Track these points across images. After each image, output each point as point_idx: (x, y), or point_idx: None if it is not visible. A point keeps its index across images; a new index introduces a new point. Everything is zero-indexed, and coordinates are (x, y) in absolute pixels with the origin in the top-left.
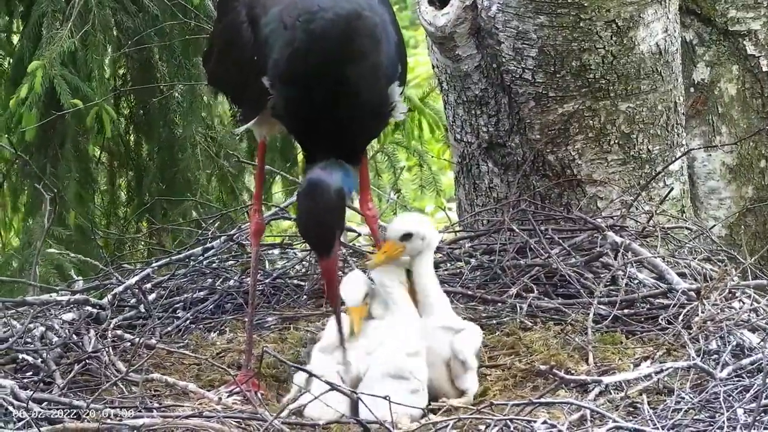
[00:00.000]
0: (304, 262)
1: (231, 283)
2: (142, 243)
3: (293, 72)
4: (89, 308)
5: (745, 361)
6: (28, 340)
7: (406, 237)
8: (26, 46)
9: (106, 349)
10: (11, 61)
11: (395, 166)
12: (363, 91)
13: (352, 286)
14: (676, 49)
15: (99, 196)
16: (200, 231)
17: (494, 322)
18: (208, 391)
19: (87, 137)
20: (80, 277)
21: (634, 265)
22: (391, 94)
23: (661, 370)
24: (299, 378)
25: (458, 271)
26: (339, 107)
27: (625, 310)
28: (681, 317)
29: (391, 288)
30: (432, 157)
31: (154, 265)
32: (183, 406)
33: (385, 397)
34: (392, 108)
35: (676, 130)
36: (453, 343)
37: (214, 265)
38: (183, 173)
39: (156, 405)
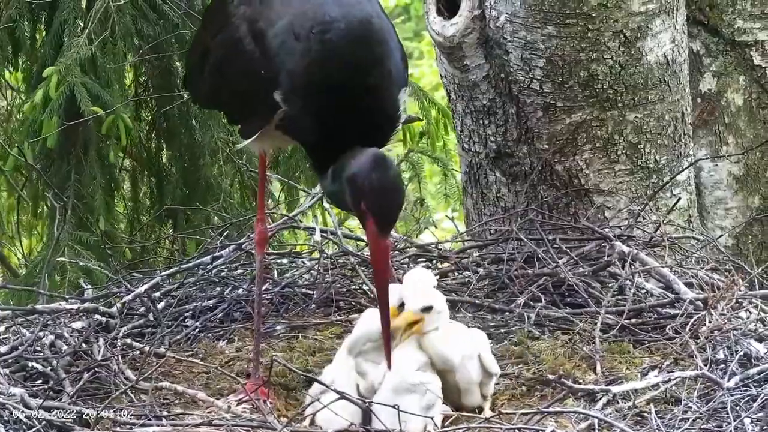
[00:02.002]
0: (312, 271)
1: (240, 291)
2: (165, 249)
3: (310, 83)
4: (98, 317)
5: (753, 371)
6: (38, 348)
7: (426, 309)
8: (48, 53)
9: (116, 357)
10: (34, 68)
11: (420, 176)
12: (379, 98)
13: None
14: (684, 60)
15: (122, 202)
16: (209, 240)
17: (502, 331)
18: (218, 399)
19: (110, 144)
20: (89, 286)
21: (642, 274)
22: (401, 99)
23: (669, 380)
24: (314, 388)
25: (466, 280)
26: (357, 115)
27: (633, 320)
28: (688, 327)
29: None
30: (451, 168)
31: (162, 273)
32: (192, 414)
33: (394, 406)
34: (401, 113)
35: (683, 141)
36: (482, 359)
37: (222, 273)
38: (205, 179)
39: (165, 413)
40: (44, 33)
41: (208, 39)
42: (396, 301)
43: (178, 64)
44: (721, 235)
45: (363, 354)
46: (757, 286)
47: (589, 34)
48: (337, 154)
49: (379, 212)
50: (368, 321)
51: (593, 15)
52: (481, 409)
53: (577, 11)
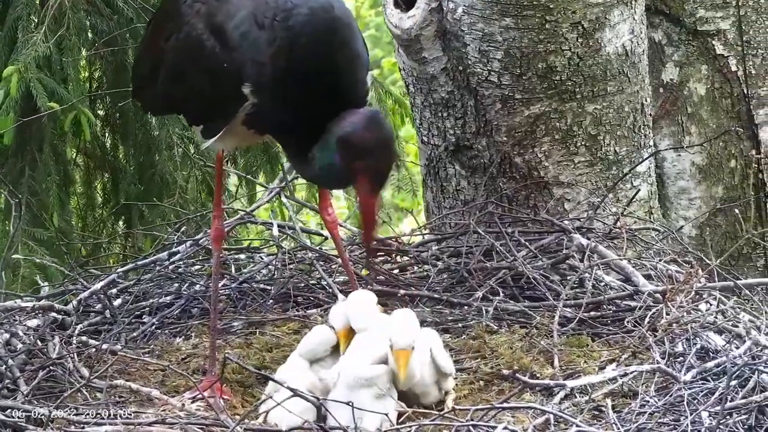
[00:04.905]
0: (270, 267)
1: (197, 287)
2: (118, 246)
3: (278, 71)
4: (54, 314)
5: (710, 364)
6: None
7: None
8: (2, 50)
9: (71, 355)
10: None
11: None
12: (348, 81)
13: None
14: (643, 51)
15: (76, 198)
16: (166, 236)
17: (460, 325)
18: (173, 396)
19: (65, 140)
20: (46, 283)
21: (601, 267)
22: (368, 81)
23: (626, 374)
24: (270, 386)
25: (425, 274)
26: (328, 98)
27: (591, 313)
28: (647, 320)
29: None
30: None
31: (119, 270)
32: (146, 412)
33: (348, 403)
34: (368, 95)
35: (643, 132)
36: (436, 361)
37: (180, 269)
38: (160, 174)
39: (119, 411)
40: None
41: (161, 43)
42: (342, 323)
43: (132, 59)
44: (683, 226)
45: (318, 362)
46: (717, 278)
47: (546, 26)
48: (312, 137)
49: (373, 172)
50: (317, 335)
51: (551, 6)
52: (442, 403)
53: (535, 2)
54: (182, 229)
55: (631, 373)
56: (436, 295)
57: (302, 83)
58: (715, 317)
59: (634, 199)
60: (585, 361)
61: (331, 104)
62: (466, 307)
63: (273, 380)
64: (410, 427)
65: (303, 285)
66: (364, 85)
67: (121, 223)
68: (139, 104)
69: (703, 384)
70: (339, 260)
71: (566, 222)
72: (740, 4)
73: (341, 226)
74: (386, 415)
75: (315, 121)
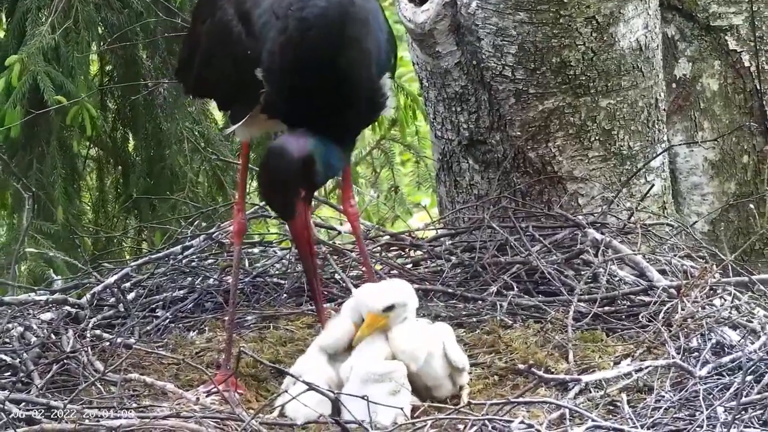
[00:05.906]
0: (283, 260)
1: (211, 281)
2: (129, 240)
3: (287, 60)
4: (68, 308)
5: (725, 359)
6: (6, 340)
7: (389, 309)
8: (11, 43)
9: (85, 349)
10: None
11: (392, 162)
12: (356, 79)
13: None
14: (657, 45)
15: (88, 192)
16: (179, 229)
17: (474, 320)
18: (187, 390)
19: (72, 134)
20: (59, 276)
21: (615, 262)
22: (383, 84)
23: (641, 369)
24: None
25: (439, 268)
26: (333, 94)
27: (606, 308)
28: (661, 315)
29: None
30: (423, 156)
31: (132, 264)
32: (161, 406)
33: (363, 397)
34: (385, 98)
35: (657, 127)
36: (447, 355)
37: (193, 263)
38: (170, 168)
39: (134, 405)
40: (6, 22)
41: (198, 27)
42: (353, 317)
43: (143, 53)
44: (696, 221)
45: (333, 355)
46: (731, 273)
47: (561, 20)
48: (315, 129)
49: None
50: (339, 327)
51: (565, 1)
52: (457, 398)
53: None
54: (195, 222)
55: (646, 368)
56: (450, 290)
57: (309, 74)
58: (730, 312)
59: (648, 194)
60: (600, 356)
61: (336, 98)
62: (480, 302)
63: (288, 374)
64: (425, 421)
65: None
66: (377, 84)
67: (132, 217)
68: (181, 85)
69: (718, 379)
70: (353, 254)
71: (580, 217)
72: None
73: None
74: (401, 409)
75: (320, 113)
